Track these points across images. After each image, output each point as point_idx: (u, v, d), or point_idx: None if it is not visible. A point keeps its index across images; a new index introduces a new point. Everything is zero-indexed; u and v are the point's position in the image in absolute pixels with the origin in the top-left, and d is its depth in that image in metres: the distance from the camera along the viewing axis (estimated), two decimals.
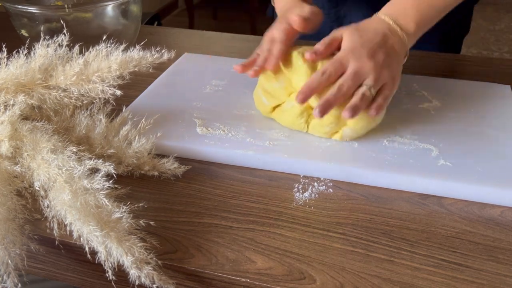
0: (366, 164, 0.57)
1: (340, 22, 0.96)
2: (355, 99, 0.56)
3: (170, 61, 0.70)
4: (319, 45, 0.59)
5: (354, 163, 0.57)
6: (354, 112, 0.54)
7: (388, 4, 0.65)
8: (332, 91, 0.55)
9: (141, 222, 0.48)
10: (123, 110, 0.65)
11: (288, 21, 0.63)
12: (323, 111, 0.54)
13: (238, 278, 0.46)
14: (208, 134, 0.62)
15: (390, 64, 0.59)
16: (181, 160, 0.59)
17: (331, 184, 0.57)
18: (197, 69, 0.80)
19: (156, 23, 2.41)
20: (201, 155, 0.61)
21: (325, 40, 0.60)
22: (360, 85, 0.57)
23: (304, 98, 0.55)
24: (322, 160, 0.58)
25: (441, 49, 0.92)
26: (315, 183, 0.57)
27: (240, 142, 0.61)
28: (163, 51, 0.64)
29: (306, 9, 0.64)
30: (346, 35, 0.60)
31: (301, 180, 0.57)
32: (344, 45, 0.59)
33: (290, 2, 0.68)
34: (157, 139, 0.60)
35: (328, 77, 0.56)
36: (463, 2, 0.67)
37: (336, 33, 0.61)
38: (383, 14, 0.63)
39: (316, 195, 0.55)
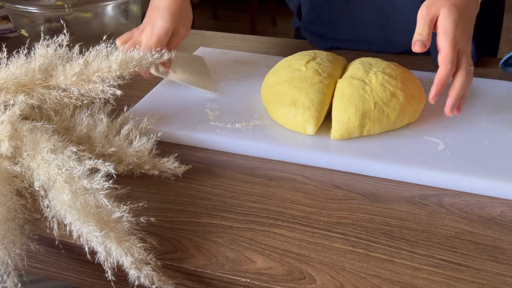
0: (370, 155, 0.58)
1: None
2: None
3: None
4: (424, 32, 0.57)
5: (359, 154, 0.59)
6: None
7: None
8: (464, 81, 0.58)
9: (141, 219, 0.48)
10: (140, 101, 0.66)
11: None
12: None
13: (238, 278, 0.46)
14: (218, 124, 0.64)
15: (471, 33, 0.61)
16: (182, 159, 0.59)
17: (331, 184, 0.57)
18: (212, 62, 0.83)
19: None
20: (212, 145, 0.63)
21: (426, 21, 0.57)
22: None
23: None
24: (319, 150, 0.59)
25: (479, 48, 0.85)
26: (316, 183, 0.57)
27: (249, 132, 0.63)
28: (163, 51, 0.64)
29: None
30: (446, 15, 0.58)
31: (302, 180, 0.57)
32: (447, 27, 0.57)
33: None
34: (168, 128, 0.63)
35: (453, 66, 0.57)
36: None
37: (431, 9, 0.58)
38: None
39: (316, 195, 0.55)
